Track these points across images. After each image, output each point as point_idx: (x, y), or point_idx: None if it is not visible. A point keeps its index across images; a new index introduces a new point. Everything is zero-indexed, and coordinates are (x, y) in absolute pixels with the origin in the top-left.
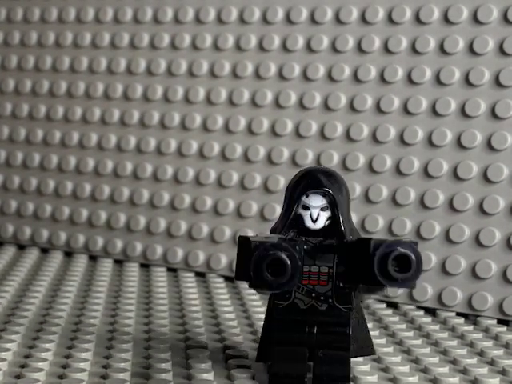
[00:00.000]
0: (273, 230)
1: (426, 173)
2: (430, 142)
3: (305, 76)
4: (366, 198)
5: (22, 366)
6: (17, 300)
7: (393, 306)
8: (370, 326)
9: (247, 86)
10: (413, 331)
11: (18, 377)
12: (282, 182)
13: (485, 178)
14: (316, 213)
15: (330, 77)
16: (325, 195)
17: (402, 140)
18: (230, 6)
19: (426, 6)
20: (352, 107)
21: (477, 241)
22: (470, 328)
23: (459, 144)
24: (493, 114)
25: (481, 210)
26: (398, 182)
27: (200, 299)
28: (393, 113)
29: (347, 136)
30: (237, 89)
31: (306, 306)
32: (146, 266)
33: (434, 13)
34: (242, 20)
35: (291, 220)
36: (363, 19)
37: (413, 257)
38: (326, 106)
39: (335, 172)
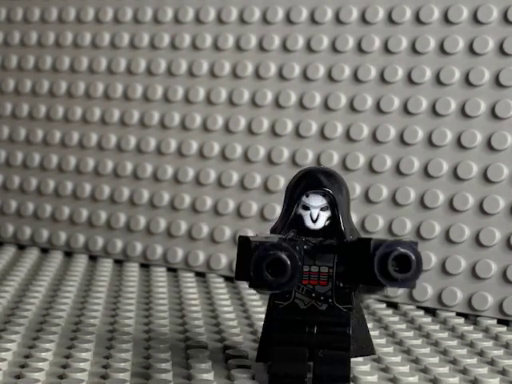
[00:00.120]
0: (273, 230)
1: (426, 173)
2: (430, 142)
3: (305, 76)
4: (366, 198)
5: (22, 366)
6: (17, 300)
7: (393, 306)
8: (370, 325)
9: (247, 85)
10: (413, 331)
11: (18, 377)
12: (282, 182)
13: (485, 178)
14: (316, 213)
15: (330, 77)
16: (325, 195)
17: (401, 140)
18: (230, 5)
19: (425, 6)
20: (352, 107)
21: (477, 241)
22: (470, 328)
23: (459, 144)
24: (493, 114)
25: (481, 210)
26: (397, 182)
27: (200, 299)
28: (393, 113)
29: (347, 136)
30: (237, 89)
31: (306, 306)
32: (146, 265)
33: (434, 13)
34: (241, 20)
35: (291, 220)
36: (363, 19)
37: (413, 257)
38: (326, 106)
39: (335, 172)
